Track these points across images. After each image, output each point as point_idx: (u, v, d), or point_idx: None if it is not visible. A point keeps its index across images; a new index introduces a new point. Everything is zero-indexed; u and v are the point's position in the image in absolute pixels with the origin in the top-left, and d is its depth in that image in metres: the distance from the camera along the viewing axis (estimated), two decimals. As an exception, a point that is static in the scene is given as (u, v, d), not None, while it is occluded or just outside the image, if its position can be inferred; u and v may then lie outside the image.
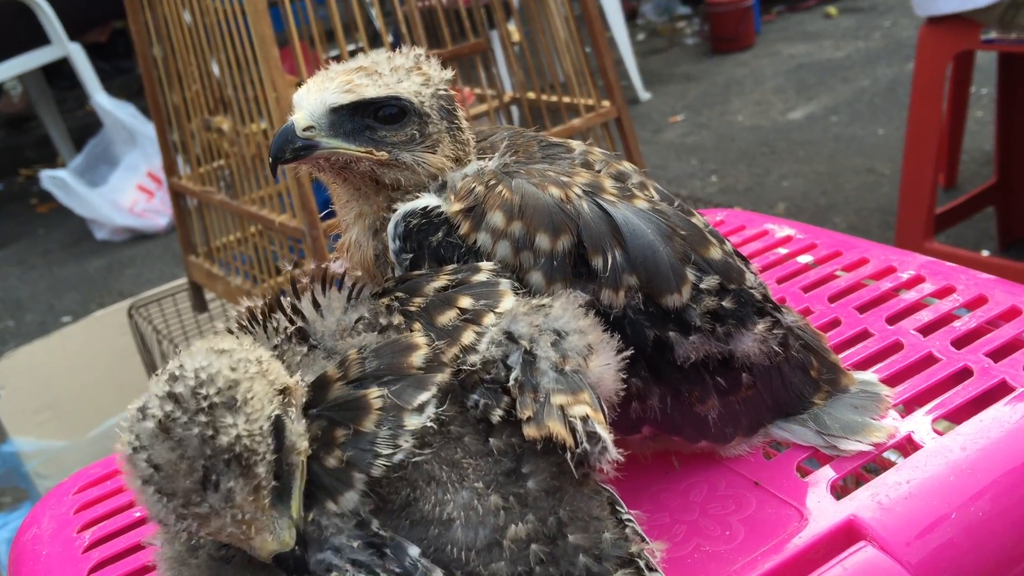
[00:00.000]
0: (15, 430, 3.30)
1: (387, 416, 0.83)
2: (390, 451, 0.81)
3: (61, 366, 3.41)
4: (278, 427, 0.77)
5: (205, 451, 0.73)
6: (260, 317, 0.95)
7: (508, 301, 0.92)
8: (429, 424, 0.84)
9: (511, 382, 0.86)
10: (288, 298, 0.96)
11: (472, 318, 0.90)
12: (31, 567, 1.21)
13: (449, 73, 1.06)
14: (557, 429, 0.83)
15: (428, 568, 0.80)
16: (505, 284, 0.94)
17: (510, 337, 0.88)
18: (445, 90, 1.05)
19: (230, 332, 0.95)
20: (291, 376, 0.84)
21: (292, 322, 0.93)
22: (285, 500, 0.78)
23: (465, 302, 0.91)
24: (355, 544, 0.80)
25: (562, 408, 0.84)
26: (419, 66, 1.03)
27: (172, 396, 0.75)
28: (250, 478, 0.74)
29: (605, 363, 0.91)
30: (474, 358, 0.87)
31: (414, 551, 0.81)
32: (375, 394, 0.84)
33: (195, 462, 0.73)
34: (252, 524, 0.76)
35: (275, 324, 0.94)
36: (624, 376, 0.93)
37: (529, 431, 0.84)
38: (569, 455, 0.83)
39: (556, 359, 0.87)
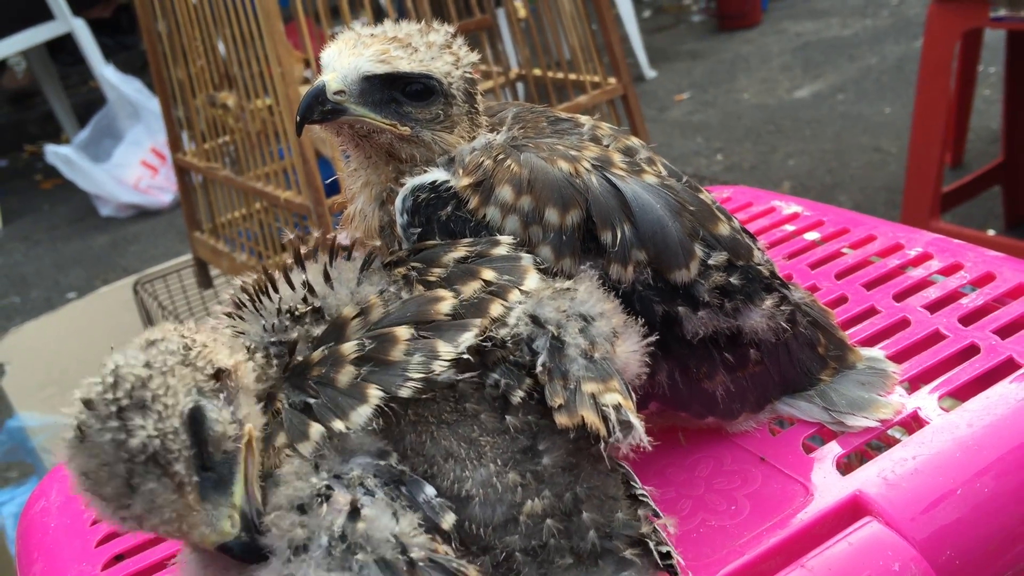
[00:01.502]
0: (21, 405, 3.32)
1: (418, 346, 0.83)
2: (422, 374, 0.82)
3: (67, 342, 3.41)
4: (195, 419, 0.76)
5: (121, 455, 0.73)
6: (256, 294, 0.93)
7: (532, 279, 0.91)
8: (465, 356, 0.84)
9: (539, 368, 0.86)
10: (303, 274, 0.94)
11: (498, 292, 0.89)
12: (39, 539, 1.21)
13: (475, 56, 1.06)
14: (591, 418, 0.83)
15: (441, 508, 0.80)
16: (527, 260, 0.93)
17: (536, 321, 0.87)
18: (470, 72, 1.04)
19: (228, 315, 0.94)
20: (235, 355, 0.83)
21: (306, 300, 0.92)
22: (224, 488, 0.77)
23: (489, 275, 0.91)
24: (380, 463, 0.81)
25: (593, 396, 0.84)
26: (450, 45, 1.02)
27: (87, 402, 0.74)
28: (169, 477, 0.74)
29: (631, 349, 0.91)
30: (503, 332, 0.87)
31: (430, 491, 0.81)
32: (403, 329, 0.84)
33: (114, 467, 0.73)
34: (183, 520, 0.75)
35: (279, 304, 0.92)
36: (647, 360, 0.93)
37: (561, 419, 0.83)
38: (603, 444, 0.83)
39: (585, 346, 0.87)
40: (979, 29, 3.55)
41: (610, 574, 0.83)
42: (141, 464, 0.73)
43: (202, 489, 0.76)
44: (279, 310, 0.91)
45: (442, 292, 0.89)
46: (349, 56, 0.97)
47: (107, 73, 5.85)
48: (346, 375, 0.83)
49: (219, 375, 0.79)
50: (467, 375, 0.85)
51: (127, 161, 5.82)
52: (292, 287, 0.94)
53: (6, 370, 3.38)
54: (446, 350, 0.84)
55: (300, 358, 0.87)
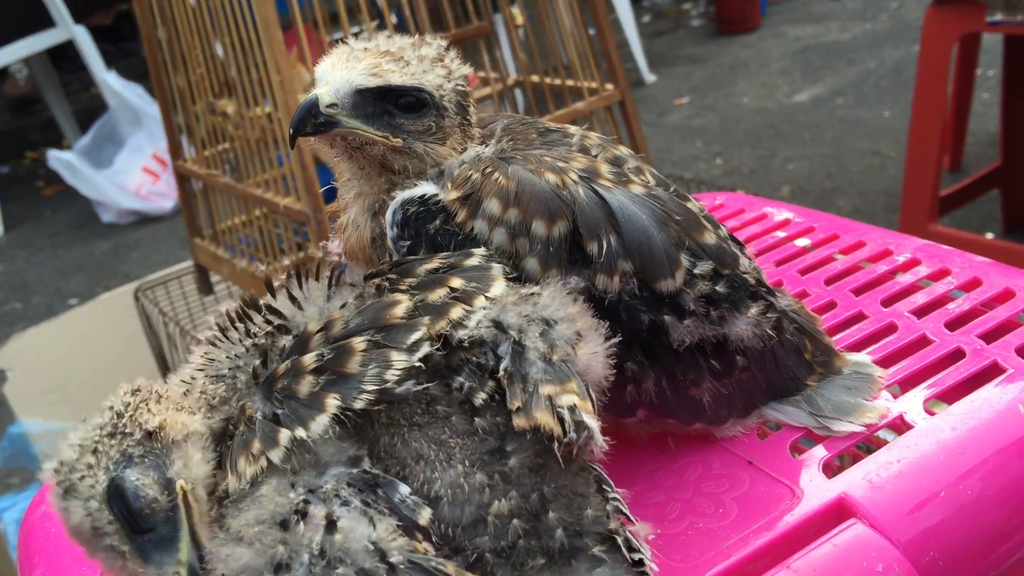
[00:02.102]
0: (23, 411, 3.33)
1: (372, 356, 0.86)
2: (376, 386, 0.84)
3: (68, 348, 3.43)
4: (114, 495, 0.81)
5: (73, 528, 0.82)
6: (230, 324, 0.96)
7: (499, 286, 0.93)
8: (418, 364, 0.86)
9: (501, 372, 0.88)
10: (263, 300, 0.97)
11: (462, 297, 0.91)
12: (41, 544, 1.23)
13: (468, 69, 1.08)
14: (545, 420, 0.84)
15: (416, 505, 0.83)
16: (496, 269, 0.95)
17: (499, 326, 0.89)
18: (463, 85, 1.06)
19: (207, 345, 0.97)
20: (162, 413, 0.86)
21: (269, 322, 0.94)
22: (169, 546, 0.82)
23: (456, 282, 0.93)
24: (353, 471, 0.83)
25: (550, 398, 0.86)
26: (442, 58, 1.05)
27: (52, 484, 0.83)
28: (108, 548, 0.81)
29: (593, 351, 0.93)
30: (462, 333, 0.89)
31: (404, 489, 0.83)
32: (359, 340, 0.87)
33: (79, 539, 0.82)
34: None
35: (247, 328, 0.95)
36: (616, 361, 0.95)
37: (518, 421, 0.85)
38: (556, 444, 0.85)
39: (544, 349, 0.89)
40: (976, 33, 3.57)
41: (583, 572, 0.85)
42: (87, 537, 0.81)
43: (143, 552, 0.82)
44: (247, 332, 0.94)
45: (398, 296, 0.91)
46: (342, 70, 0.99)
47: (109, 79, 5.87)
48: (305, 385, 0.85)
49: (149, 436, 0.84)
50: (429, 385, 0.87)
51: (129, 167, 5.84)
52: (260, 313, 0.97)
53: (8, 376, 3.40)
54: (399, 359, 0.86)
55: (266, 369, 0.90)
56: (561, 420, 0.85)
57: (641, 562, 0.86)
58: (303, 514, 0.79)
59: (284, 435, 0.83)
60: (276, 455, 0.83)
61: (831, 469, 1.06)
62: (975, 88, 4.12)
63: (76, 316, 3.69)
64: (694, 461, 1.10)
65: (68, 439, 0.84)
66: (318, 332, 0.89)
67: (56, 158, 5.76)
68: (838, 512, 0.98)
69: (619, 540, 0.86)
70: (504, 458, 0.87)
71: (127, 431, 0.84)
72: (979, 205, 4.00)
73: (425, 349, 0.87)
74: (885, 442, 1.09)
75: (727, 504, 1.03)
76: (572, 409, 0.86)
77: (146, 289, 3.35)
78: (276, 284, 0.98)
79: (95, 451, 0.82)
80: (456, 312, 0.90)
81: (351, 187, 1.08)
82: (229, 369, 0.92)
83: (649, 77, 6.64)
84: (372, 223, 1.05)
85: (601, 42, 2.65)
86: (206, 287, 3.09)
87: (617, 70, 2.65)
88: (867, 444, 1.18)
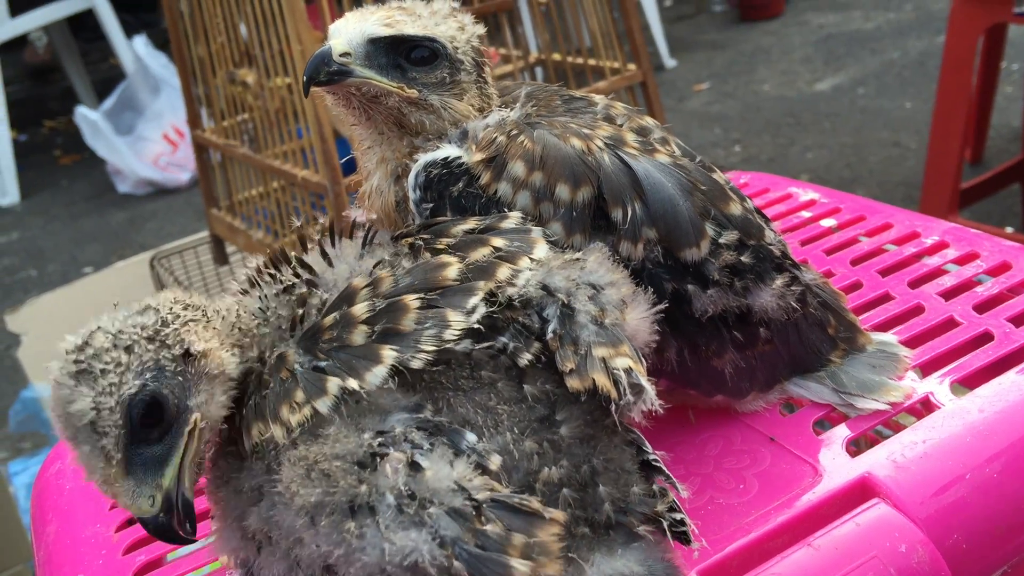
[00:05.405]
0: (36, 376, 3.34)
1: (429, 315, 0.83)
2: (434, 346, 0.82)
3: (83, 314, 3.40)
4: (140, 402, 0.78)
5: (68, 412, 0.77)
6: (263, 272, 0.94)
7: (541, 248, 0.91)
8: (477, 326, 0.84)
9: (549, 335, 0.86)
10: (293, 252, 0.95)
11: (506, 257, 0.89)
12: (55, 501, 1.23)
13: (481, 28, 1.07)
14: (602, 381, 0.83)
15: (486, 452, 0.80)
16: (536, 231, 0.94)
17: (546, 290, 0.88)
18: (477, 43, 1.05)
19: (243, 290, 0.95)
20: (211, 341, 0.84)
21: (298, 276, 0.92)
22: (158, 466, 0.79)
23: (498, 242, 0.91)
24: (418, 416, 0.81)
25: (604, 360, 0.85)
26: (455, 14, 1.04)
27: (66, 351, 0.79)
28: (99, 446, 0.77)
29: (641, 316, 0.92)
30: (512, 291, 0.87)
31: (471, 437, 0.81)
32: (411, 297, 0.85)
33: (65, 420, 0.77)
34: (110, 486, 0.79)
35: (278, 278, 0.93)
36: (656, 328, 0.93)
37: (572, 383, 0.84)
38: (613, 407, 0.84)
39: (595, 312, 0.87)
40: (1003, 24, 3.52)
41: (620, 544, 0.83)
42: (81, 427, 0.77)
43: (130, 464, 0.79)
44: (280, 282, 0.92)
45: (447, 258, 0.89)
46: (355, 22, 0.99)
47: (136, 45, 5.84)
48: (359, 335, 0.83)
49: (187, 356, 0.81)
50: (482, 345, 0.85)
51: (148, 136, 5.83)
52: (290, 266, 0.95)
53: (21, 340, 3.40)
54: (457, 319, 0.84)
55: (302, 311, 0.88)
56: (616, 382, 0.84)
57: (682, 522, 0.84)
58: (380, 455, 0.77)
59: (332, 383, 0.81)
60: (323, 404, 0.80)
61: (852, 449, 1.04)
62: (999, 81, 4.08)
63: (91, 283, 3.70)
64: (715, 436, 1.08)
65: (100, 322, 0.80)
66: (365, 287, 0.87)
67: (83, 116, 5.72)
68: (861, 491, 0.97)
69: (664, 524, 0.84)
70: (554, 427, 0.85)
71: (168, 343, 0.80)
72: (999, 199, 3.96)
73: (482, 310, 0.85)
74: (904, 427, 1.07)
75: (748, 480, 1.01)
76: (628, 371, 0.84)
77: (162, 258, 3.35)
78: (310, 242, 0.97)
79: (130, 349, 0.78)
80: (503, 272, 0.88)
81: (373, 154, 1.07)
82: (260, 310, 0.90)
83: (669, 62, 6.59)
84: (395, 187, 1.04)
85: (624, 21, 2.62)
86: (221, 257, 3.09)
87: (640, 50, 2.62)
88: (886, 429, 1.17)
